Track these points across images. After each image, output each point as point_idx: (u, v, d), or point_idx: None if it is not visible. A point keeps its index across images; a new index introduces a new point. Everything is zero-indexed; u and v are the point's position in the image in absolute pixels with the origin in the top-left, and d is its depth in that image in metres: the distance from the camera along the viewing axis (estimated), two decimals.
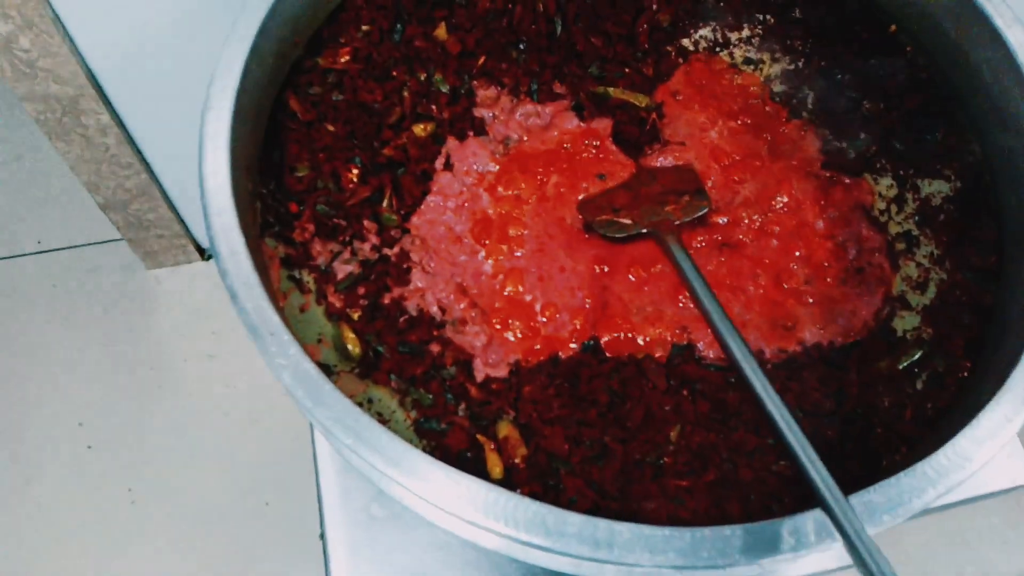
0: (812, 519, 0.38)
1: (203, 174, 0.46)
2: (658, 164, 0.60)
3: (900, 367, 0.51)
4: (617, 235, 0.55)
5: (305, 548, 0.96)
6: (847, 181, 0.59)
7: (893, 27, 0.62)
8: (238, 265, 0.43)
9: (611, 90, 0.61)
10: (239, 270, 0.43)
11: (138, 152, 0.90)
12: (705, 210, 0.56)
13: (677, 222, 0.55)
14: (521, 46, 0.62)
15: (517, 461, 0.47)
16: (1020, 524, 1.01)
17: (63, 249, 1.13)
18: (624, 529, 0.38)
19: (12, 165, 1.17)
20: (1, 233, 1.15)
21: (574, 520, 0.38)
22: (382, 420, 0.48)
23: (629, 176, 0.59)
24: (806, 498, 0.45)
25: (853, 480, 0.43)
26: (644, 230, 0.55)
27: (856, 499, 0.39)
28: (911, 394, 0.50)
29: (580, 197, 0.58)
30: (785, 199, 0.58)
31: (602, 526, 0.38)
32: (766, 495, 0.45)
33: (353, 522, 0.56)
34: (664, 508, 0.45)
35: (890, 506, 0.38)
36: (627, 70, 0.64)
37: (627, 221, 0.55)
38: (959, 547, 0.99)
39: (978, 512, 0.99)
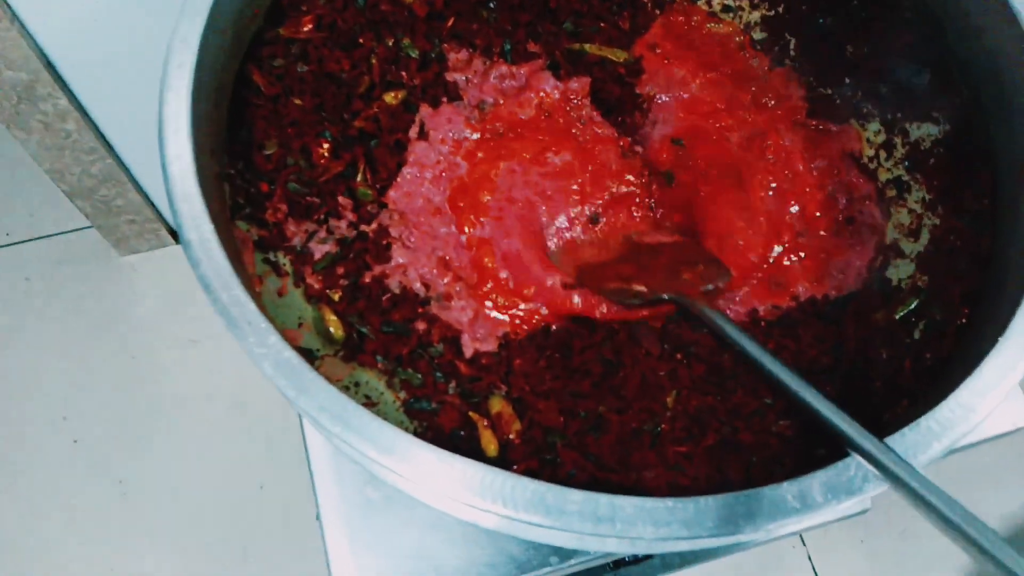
0: (817, 481, 0.37)
1: (165, 159, 0.43)
2: (654, 241, 0.56)
3: (896, 317, 0.50)
4: (632, 302, 0.50)
5: (303, 530, 0.95)
6: (833, 129, 0.58)
7: None
8: (209, 253, 0.41)
9: (587, 47, 0.59)
10: (210, 258, 0.41)
11: (101, 136, 0.86)
12: (728, 279, 0.51)
13: (701, 289, 0.50)
14: (491, 4, 0.60)
15: (512, 437, 0.46)
16: (1014, 465, 1.02)
17: (33, 240, 1.10)
18: (626, 504, 0.36)
19: None
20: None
21: (575, 497, 0.37)
22: (370, 403, 0.47)
23: (624, 247, 0.55)
24: (810, 458, 0.44)
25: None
26: (665, 296, 0.49)
27: (852, 461, 0.38)
28: (909, 344, 0.49)
29: (563, 258, 0.53)
30: (772, 151, 0.57)
31: (603, 502, 0.37)
32: (768, 458, 0.44)
33: (349, 505, 0.55)
34: (664, 476, 0.44)
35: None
36: (602, 24, 0.61)
37: (642, 288, 0.50)
38: (950, 489, 1.00)
39: (970, 454, 1.00)
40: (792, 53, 0.60)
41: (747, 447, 0.45)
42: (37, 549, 0.97)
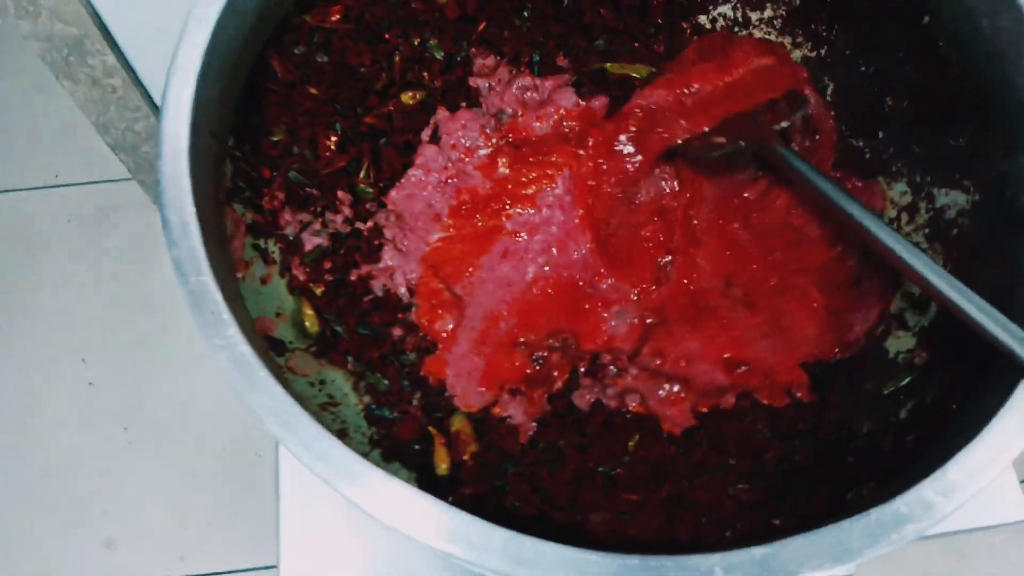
0: (750, 556, 0.36)
1: (161, 137, 0.44)
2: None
3: (885, 392, 0.48)
4: (711, 155, 0.49)
5: None
6: (859, 184, 0.55)
7: (926, 17, 0.57)
8: (186, 237, 0.42)
9: (608, 66, 0.57)
10: (187, 242, 0.41)
11: (147, 96, 0.88)
12: (808, 105, 0.50)
13: (777, 127, 0.48)
14: (525, 13, 0.59)
15: (466, 458, 0.46)
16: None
17: (80, 184, 1.14)
18: (549, 550, 0.36)
19: (34, 98, 1.17)
20: (21, 164, 1.15)
21: (499, 535, 0.36)
22: (332, 403, 0.47)
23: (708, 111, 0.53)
24: (761, 526, 0.43)
25: (813, 514, 0.41)
26: (743, 143, 0.48)
27: (799, 540, 0.36)
28: (893, 423, 0.47)
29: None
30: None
31: (527, 544, 0.36)
32: (720, 519, 0.43)
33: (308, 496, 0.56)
34: (610, 522, 0.43)
35: (833, 553, 0.36)
36: (636, 44, 0.60)
37: (721, 140, 0.49)
38: (959, 565, 0.96)
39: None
40: (829, 98, 0.58)
41: (700, 505, 0.43)
42: (36, 481, 1.01)
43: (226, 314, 0.40)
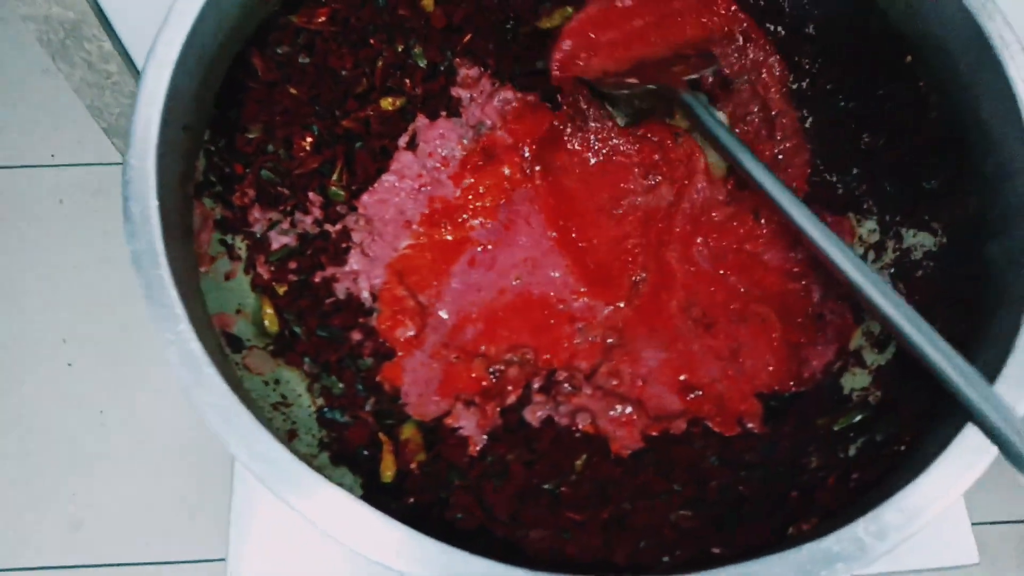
0: None
1: (132, 129, 0.44)
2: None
3: (837, 428, 0.48)
4: (620, 92, 0.52)
5: None
6: (828, 219, 0.55)
7: (909, 57, 0.57)
8: (147, 230, 0.42)
9: None
10: (146, 235, 0.42)
11: None
12: (717, 65, 0.53)
13: (687, 78, 0.51)
14: (509, 26, 0.59)
15: (413, 467, 0.46)
16: None
17: (74, 166, 1.14)
18: (481, 566, 0.36)
19: (38, 77, 1.18)
20: (18, 141, 1.16)
21: (432, 548, 0.36)
22: (284, 403, 0.47)
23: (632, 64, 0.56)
24: (699, 553, 0.43)
25: (752, 545, 0.41)
26: (652, 86, 0.51)
27: (730, 570, 0.36)
28: (842, 460, 0.47)
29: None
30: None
31: (458, 558, 0.36)
32: (659, 544, 0.43)
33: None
34: (550, 540, 0.43)
35: None
36: None
37: (633, 80, 0.52)
38: None
39: None
40: (806, 128, 0.58)
41: (641, 529, 0.43)
42: (9, 458, 1.01)
43: (179, 309, 0.40)
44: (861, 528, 0.38)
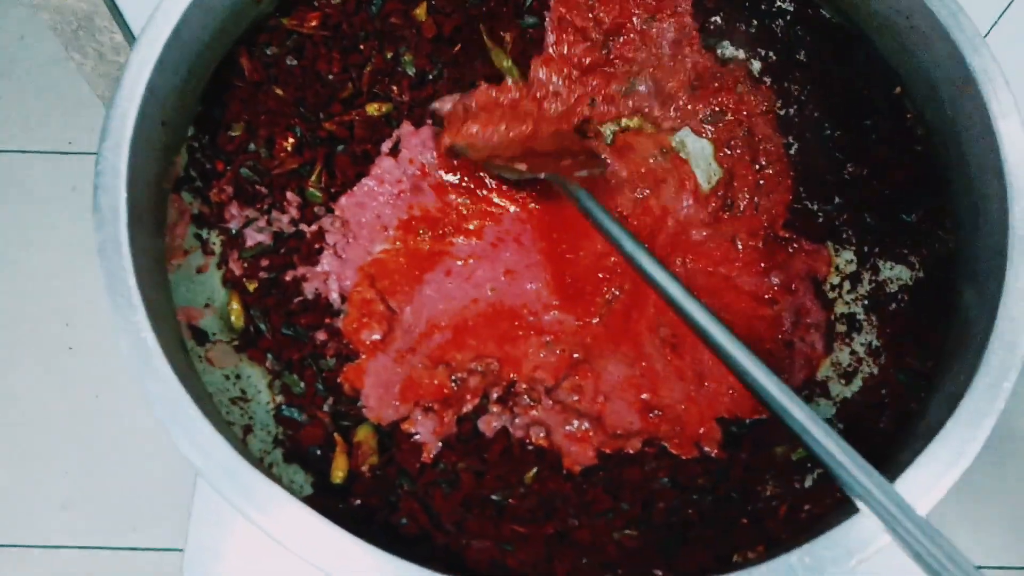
0: None
1: (107, 123, 0.45)
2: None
3: (795, 458, 0.48)
4: (510, 176, 0.54)
5: None
6: (807, 247, 0.55)
7: (899, 88, 0.57)
8: (115, 221, 0.43)
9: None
10: (113, 226, 0.43)
11: None
12: (603, 169, 0.55)
13: (577, 173, 0.52)
14: (500, 38, 0.60)
15: (364, 469, 0.46)
16: None
17: (89, 154, 1.16)
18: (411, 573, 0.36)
19: (61, 64, 1.20)
20: (37, 127, 1.19)
21: (356, 550, 0.37)
22: (244, 398, 0.48)
23: (521, 149, 0.57)
24: (641, 574, 0.42)
25: (694, 570, 0.41)
26: (541, 175, 0.52)
27: None
28: (796, 490, 0.47)
29: (454, 142, 0.55)
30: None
31: (397, 567, 0.36)
32: (599, 563, 0.43)
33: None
34: (491, 552, 0.43)
35: None
36: None
37: (522, 167, 0.53)
38: None
39: None
40: (791, 155, 0.58)
41: (583, 546, 0.43)
42: (4, 438, 1.03)
43: (136, 299, 0.41)
44: (795, 558, 0.37)
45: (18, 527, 1.00)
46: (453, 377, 0.50)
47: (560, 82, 0.58)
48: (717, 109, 0.59)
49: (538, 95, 0.58)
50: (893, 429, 0.48)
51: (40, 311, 1.08)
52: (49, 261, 1.11)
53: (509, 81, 0.57)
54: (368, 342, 0.51)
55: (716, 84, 0.59)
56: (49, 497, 1.01)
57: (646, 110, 0.59)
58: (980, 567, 1.02)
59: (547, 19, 0.59)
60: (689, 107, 0.59)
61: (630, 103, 0.59)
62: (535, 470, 0.46)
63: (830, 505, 0.45)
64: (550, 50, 0.58)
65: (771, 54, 0.60)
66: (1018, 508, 1.00)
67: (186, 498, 0.91)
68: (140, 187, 0.46)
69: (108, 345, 1.06)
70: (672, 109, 0.59)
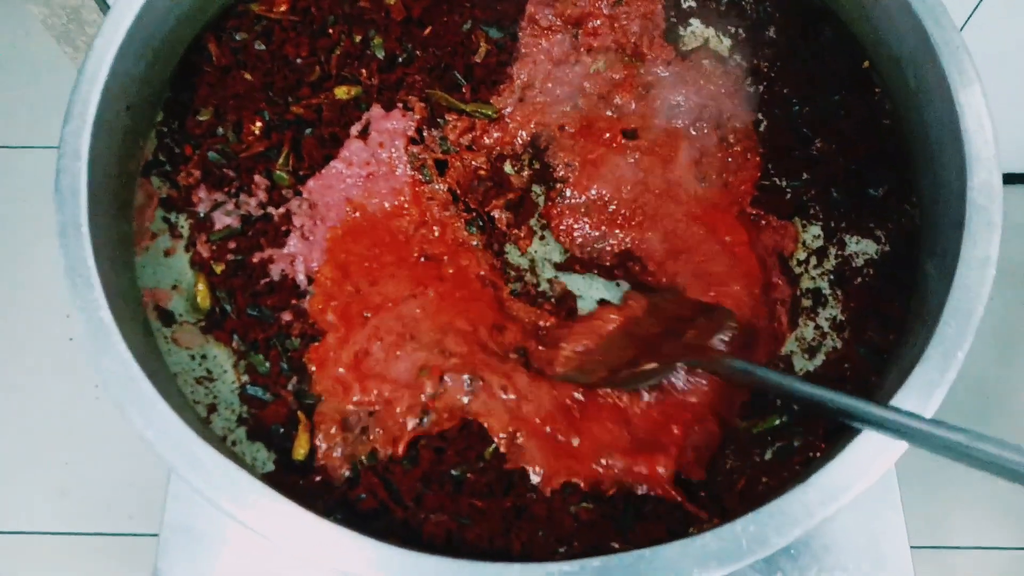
0: (544, 570, 0.36)
1: (70, 106, 0.46)
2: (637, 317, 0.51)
3: (755, 431, 0.48)
4: (650, 383, 0.46)
5: None
6: (775, 223, 0.55)
7: (867, 63, 0.56)
8: (75, 203, 0.44)
9: None
10: (72, 207, 0.43)
11: None
12: (733, 319, 0.47)
13: (711, 343, 0.45)
14: (467, 25, 0.60)
15: (325, 447, 0.47)
16: None
17: None
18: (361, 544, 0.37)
19: (60, 58, 1.22)
20: (33, 122, 1.20)
21: (316, 525, 0.37)
22: (209, 378, 0.48)
23: (618, 335, 0.50)
24: (598, 547, 0.43)
25: (650, 542, 0.40)
26: (678, 365, 0.45)
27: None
28: (757, 463, 0.47)
29: (555, 368, 0.49)
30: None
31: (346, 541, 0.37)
32: (556, 536, 0.43)
33: None
34: (447, 525, 0.43)
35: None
36: None
37: (652, 366, 0.46)
38: None
39: None
40: (760, 132, 0.58)
41: (539, 519, 0.44)
42: (5, 426, 1.05)
43: (94, 279, 0.42)
44: (740, 527, 0.37)
45: (18, 515, 1.02)
46: (418, 364, 0.50)
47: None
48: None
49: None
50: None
51: (41, 302, 1.10)
52: (48, 254, 1.12)
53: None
54: (333, 322, 0.51)
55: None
56: (48, 484, 1.03)
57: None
58: (985, 547, 1.01)
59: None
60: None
61: None
62: (494, 447, 0.46)
63: (787, 478, 0.45)
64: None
65: (740, 31, 0.60)
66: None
67: None
68: (103, 170, 0.46)
69: None
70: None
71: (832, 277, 0.53)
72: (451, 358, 0.48)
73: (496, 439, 0.46)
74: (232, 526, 0.53)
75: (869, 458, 0.39)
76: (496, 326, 0.51)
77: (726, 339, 0.46)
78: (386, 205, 0.56)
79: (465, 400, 0.47)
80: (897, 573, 0.53)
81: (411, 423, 0.47)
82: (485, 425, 0.47)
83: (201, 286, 0.50)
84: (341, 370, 0.49)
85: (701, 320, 0.48)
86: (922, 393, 0.40)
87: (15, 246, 1.14)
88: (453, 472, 0.46)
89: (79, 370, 1.07)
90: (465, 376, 0.48)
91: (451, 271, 0.53)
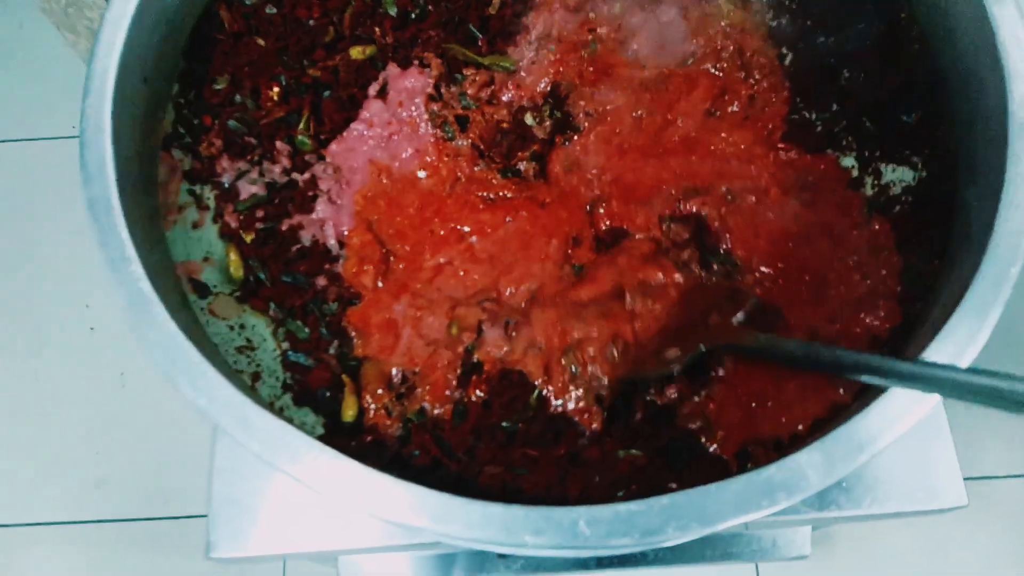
0: (613, 510, 0.36)
1: (89, 80, 0.45)
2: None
3: None
4: (674, 369, 0.46)
5: None
6: (809, 157, 0.54)
7: None
8: (102, 177, 0.43)
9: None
10: (101, 182, 0.43)
11: None
12: (753, 299, 0.48)
13: (734, 324, 0.46)
14: None
15: (373, 407, 0.46)
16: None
17: None
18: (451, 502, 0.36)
19: (60, 48, 1.20)
20: (41, 114, 1.19)
21: (375, 479, 0.37)
22: (249, 347, 0.48)
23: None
24: (655, 489, 0.42)
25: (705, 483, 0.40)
26: (702, 349, 0.46)
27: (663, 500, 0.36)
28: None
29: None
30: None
31: (407, 494, 0.37)
32: (612, 481, 0.43)
33: None
34: (503, 476, 0.43)
35: (700, 516, 0.36)
36: None
37: (675, 352, 0.46)
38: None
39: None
40: (785, 67, 0.57)
41: (593, 464, 0.44)
42: (35, 419, 1.05)
43: (130, 252, 0.41)
44: (804, 458, 0.37)
45: (57, 507, 1.02)
46: (452, 322, 0.50)
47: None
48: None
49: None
50: (901, 332, 0.47)
51: (60, 294, 1.10)
52: (64, 244, 1.12)
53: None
54: (369, 285, 0.51)
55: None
56: (83, 476, 1.03)
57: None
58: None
59: None
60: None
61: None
62: (536, 391, 0.46)
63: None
64: None
65: None
66: None
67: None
68: (126, 144, 0.46)
69: None
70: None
71: (867, 208, 0.52)
72: (491, 305, 0.48)
73: (538, 383, 0.46)
74: (278, 495, 0.53)
75: None
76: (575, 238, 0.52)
77: (743, 318, 0.46)
78: (413, 164, 0.55)
79: (504, 349, 0.47)
80: (950, 502, 0.53)
81: (453, 378, 0.47)
82: (524, 372, 0.46)
83: (233, 256, 0.50)
84: (380, 332, 0.49)
85: (725, 304, 0.48)
86: (978, 314, 0.40)
87: (28, 240, 1.14)
88: (504, 424, 0.45)
89: (103, 360, 1.07)
90: (503, 323, 0.48)
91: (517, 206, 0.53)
